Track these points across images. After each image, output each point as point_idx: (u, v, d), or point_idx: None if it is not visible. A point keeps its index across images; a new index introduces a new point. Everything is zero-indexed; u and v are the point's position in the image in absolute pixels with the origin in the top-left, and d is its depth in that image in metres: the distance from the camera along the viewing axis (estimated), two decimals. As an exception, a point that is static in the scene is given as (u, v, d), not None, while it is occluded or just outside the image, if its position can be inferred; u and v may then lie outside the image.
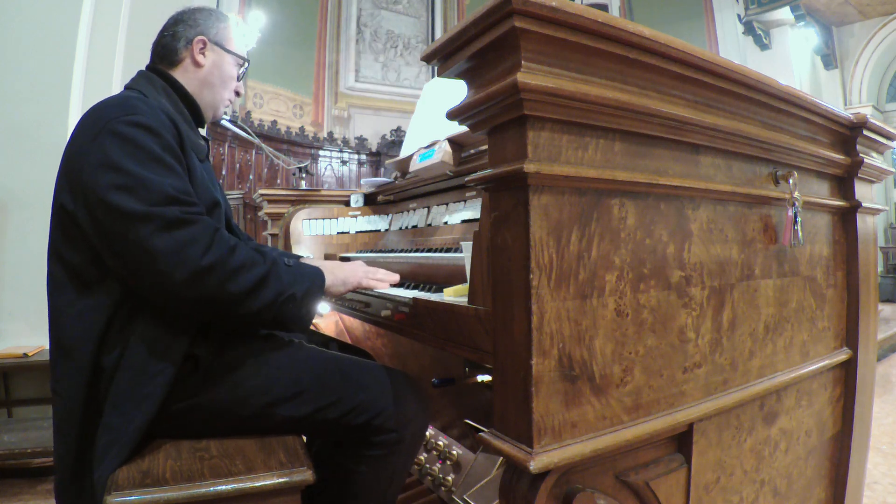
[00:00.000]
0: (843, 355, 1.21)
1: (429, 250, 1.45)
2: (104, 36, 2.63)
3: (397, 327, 1.13)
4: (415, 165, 1.59)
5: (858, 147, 1.18)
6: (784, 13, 6.95)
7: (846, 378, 1.24)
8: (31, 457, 2.03)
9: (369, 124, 7.96)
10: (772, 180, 1.00)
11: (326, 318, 2.02)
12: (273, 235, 2.06)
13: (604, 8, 7.51)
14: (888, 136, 1.25)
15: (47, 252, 0.98)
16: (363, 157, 7.77)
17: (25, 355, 2.28)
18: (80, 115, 0.98)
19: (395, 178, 1.82)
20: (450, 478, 1.50)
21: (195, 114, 1.18)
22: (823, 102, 1.06)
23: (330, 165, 7.53)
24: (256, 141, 2.12)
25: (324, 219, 1.96)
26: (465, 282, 0.89)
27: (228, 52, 1.21)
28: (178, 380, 0.95)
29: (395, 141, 7.64)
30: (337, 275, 1.12)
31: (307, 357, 1.08)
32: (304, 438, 1.06)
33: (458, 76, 0.76)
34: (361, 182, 3.66)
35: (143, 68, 1.17)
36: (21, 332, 2.40)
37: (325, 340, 1.40)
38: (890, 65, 8.51)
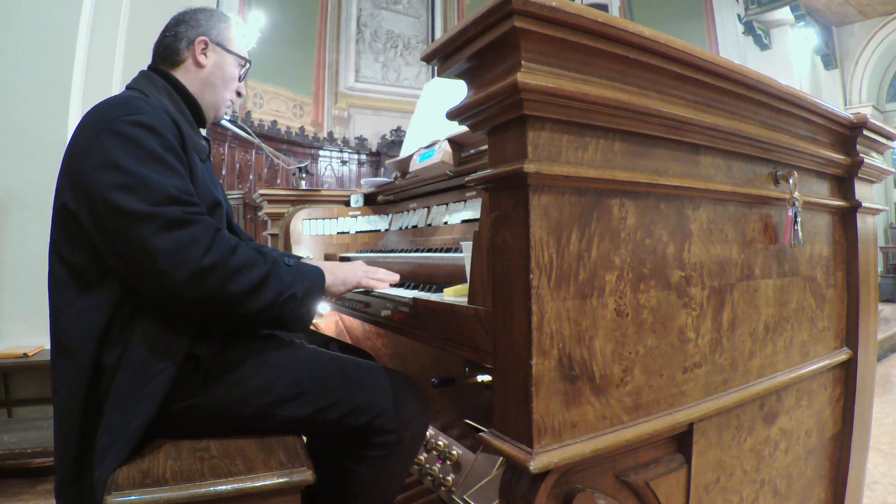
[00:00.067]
0: (843, 355, 1.21)
1: (429, 250, 1.45)
2: (104, 36, 2.63)
3: (397, 327, 1.13)
4: (415, 165, 1.59)
5: (858, 147, 1.18)
6: (784, 13, 6.95)
7: (846, 378, 1.24)
8: (31, 457, 2.03)
9: (369, 124, 7.96)
10: (772, 180, 1.00)
11: (326, 318, 2.02)
12: (273, 235, 2.06)
13: (604, 8, 7.50)
14: (888, 136, 1.25)
15: (48, 251, 0.98)
16: (363, 157, 7.77)
17: (25, 355, 2.28)
18: (81, 115, 0.99)
19: (395, 178, 1.82)
20: (450, 478, 1.50)
21: (196, 114, 1.18)
22: (823, 102, 1.06)
23: (330, 165, 7.53)
24: (256, 141, 2.12)
25: (324, 219, 1.96)
26: (465, 282, 0.89)
27: (230, 52, 1.21)
28: (178, 379, 0.95)
29: (395, 141, 7.64)
30: (337, 274, 1.12)
31: (308, 357, 1.08)
32: (304, 438, 1.06)
33: (458, 76, 0.76)
34: (361, 182, 3.66)
35: (145, 68, 1.17)
36: (21, 332, 2.40)
37: (325, 340, 1.40)
38: (890, 65, 8.51)
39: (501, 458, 0.92)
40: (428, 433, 1.65)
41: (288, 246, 1.89)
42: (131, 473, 0.86)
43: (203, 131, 1.24)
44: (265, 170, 6.71)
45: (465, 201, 1.54)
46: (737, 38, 7.35)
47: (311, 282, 1.04)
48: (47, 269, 0.97)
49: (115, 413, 0.90)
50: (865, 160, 1.19)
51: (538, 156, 0.66)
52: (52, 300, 0.96)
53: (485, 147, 1.08)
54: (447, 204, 1.62)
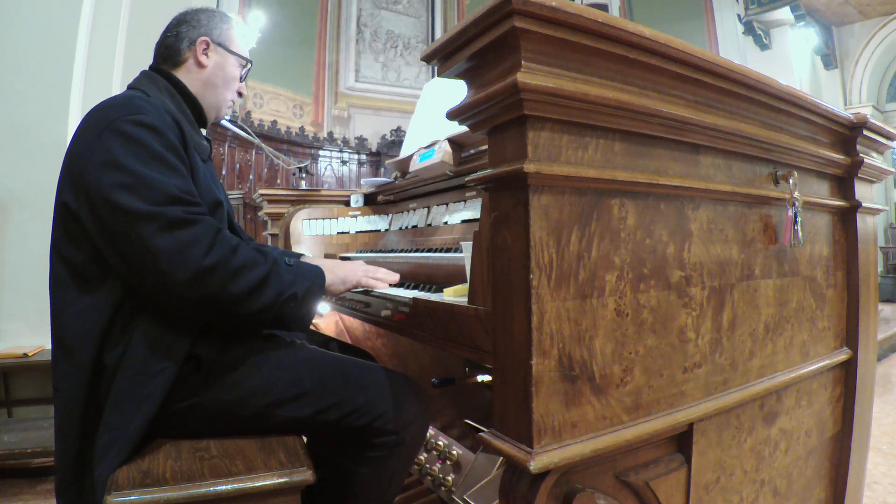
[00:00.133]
0: (843, 355, 1.21)
1: (429, 250, 1.45)
2: (104, 36, 2.63)
3: (397, 327, 1.13)
4: (415, 165, 1.59)
5: (858, 147, 1.18)
6: (784, 13, 6.95)
7: (846, 378, 1.24)
8: (31, 457, 2.03)
9: (369, 124, 7.96)
10: (772, 180, 1.00)
11: (326, 318, 2.02)
12: (273, 235, 2.06)
13: (604, 8, 7.50)
14: (888, 136, 1.25)
15: (49, 251, 0.98)
16: (363, 157, 7.77)
17: (25, 355, 2.28)
18: (81, 115, 0.99)
19: (395, 178, 1.82)
20: (450, 478, 1.50)
21: (198, 114, 1.18)
22: (823, 102, 1.06)
23: (330, 165, 7.53)
24: (256, 141, 2.12)
25: (324, 219, 1.96)
26: (465, 282, 0.89)
27: (231, 52, 1.21)
28: (178, 379, 0.95)
29: (395, 141, 7.64)
30: (337, 273, 1.12)
31: (308, 358, 1.08)
32: (304, 438, 1.06)
33: (458, 76, 0.76)
34: (361, 182, 3.66)
35: (147, 68, 1.17)
36: (21, 332, 2.40)
37: (325, 340, 1.40)
38: (890, 65, 8.51)
39: (501, 458, 0.92)
40: (428, 433, 1.65)
41: (288, 246, 1.89)
42: (131, 473, 0.86)
43: (203, 131, 1.24)
44: (265, 170, 6.71)
45: (465, 201, 1.54)
46: (737, 38, 7.35)
47: (312, 281, 1.04)
48: (48, 268, 0.98)
49: (116, 413, 0.90)
50: (865, 160, 1.19)
51: (538, 156, 0.66)
52: (52, 300, 0.96)
53: (485, 147, 1.08)
54: (447, 204, 1.62)
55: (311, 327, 1.12)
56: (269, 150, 2.35)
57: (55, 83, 2.45)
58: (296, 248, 1.89)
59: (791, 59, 7.04)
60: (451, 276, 1.26)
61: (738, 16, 7.26)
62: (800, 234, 0.98)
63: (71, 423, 0.92)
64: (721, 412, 0.89)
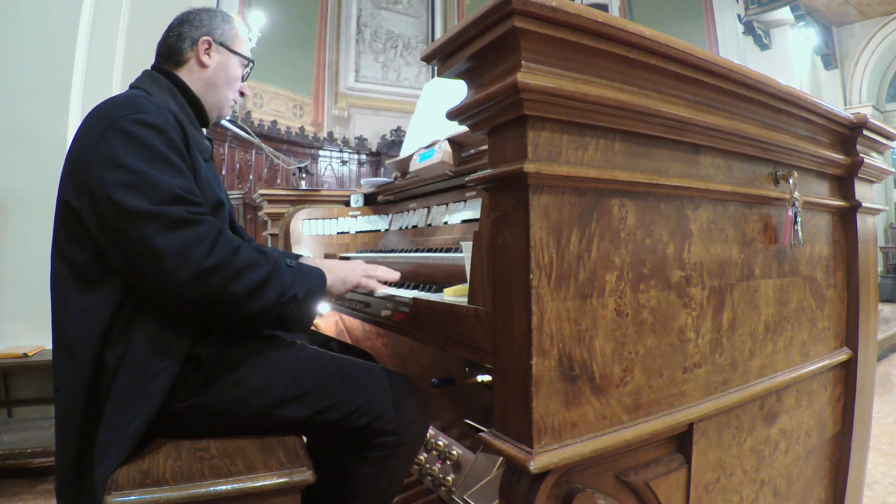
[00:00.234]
0: (843, 355, 1.21)
1: (429, 250, 1.45)
2: (104, 36, 2.63)
3: (397, 327, 1.13)
4: (415, 165, 1.59)
5: (858, 147, 1.18)
6: (784, 13, 6.95)
7: (846, 378, 1.24)
8: (31, 457, 2.03)
9: (369, 124, 7.96)
10: (772, 180, 1.00)
11: (326, 318, 2.02)
12: (273, 235, 2.06)
13: (604, 8, 7.50)
14: (888, 136, 1.25)
15: (51, 250, 0.98)
16: (363, 157, 7.77)
17: (25, 355, 2.28)
18: (81, 115, 0.99)
19: (395, 178, 1.82)
20: (450, 478, 1.50)
21: (200, 114, 1.18)
22: (823, 102, 1.06)
23: (330, 165, 7.53)
24: (256, 141, 2.12)
25: (324, 219, 1.96)
26: (465, 282, 0.89)
27: (233, 52, 1.21)
28: (179, 379, 0.95)
29: (395, 141, 7.63)
30: (337, 274, 1.12)
31: (308, 358, 1.08)
32: (304, 438, 1.06)
33: (458, 76, 0.76)
34: (361, 182, 3.66)
35: (149, 68, 1.17)
36: (21, 332, 2.40)
37: (325, 340, 1.40)
38: (890, 65, 8.51)
39: (501, 458, 0.92)
40: (428, 433, 1.65)
41: (288, 246, 1.89)
42: (131, 473, 0.86)
43: (205, 131, 1.24)
44: (265, 170, 6.71)
45: (465, 201, 1.54)
46: (737, 38, 7.35)
47: (313, 282, 1.04)
48: (49, 268, 0.98)
49: (116, 412, 0.90)
50: (865, 160, 1.19)
51: (538, 156, 0.66)
52: (53, 299, 0.96)
53: (485, 147, 1.08)
54: (447, 204, 1.62)
55: (311, 327, 1.12)
56: (269, 150, 2.35)
57: (55, 83, 2.45)
58: (296, 249, 1.89)
59: (791, 59, 7.04)
60: (451, 276, 1.26)
61: (738, 16, 7.26)
62: (800, 234, 0.98)
63: (71, 423, 0.92)
64: (721, 412, 0.89)
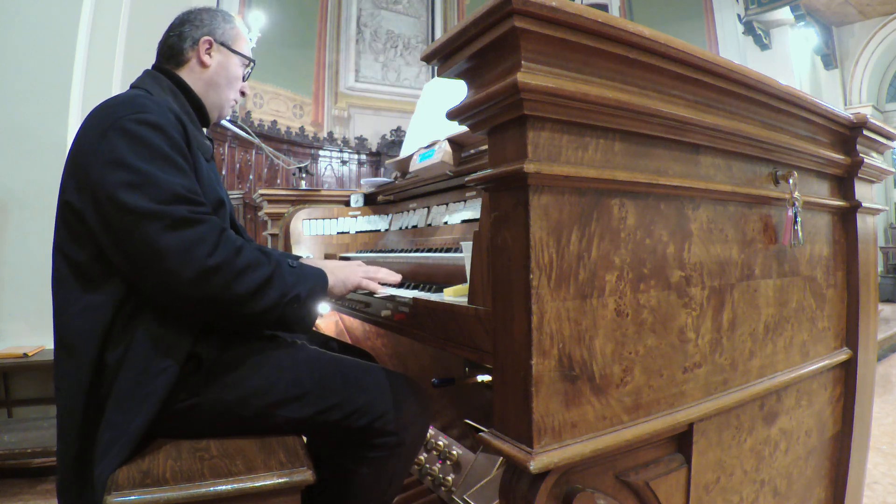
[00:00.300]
0: (843, 355, 1.21)
1: (429, 250, 1.45)
2: (104, 36, 2.63)
3: (397, 327, 1.13)
4: (415, 165, 1.59)
5: (858, 147, 1.18)
6: (784, 13, 6.95)
7: (846, 378, 1.24)
8: (31, 457, 2.03)
9: (369, 124, 7.96)
10: (772, 180, 1.00)
11: (326, 318, 2.02)
12: (273, 235, 2.06)
13: (604, 8, 7.51)
14: (888, 136, 1.25)
15: (52, 249, 0.98)
16: (363, 157, 7.77)
17: (25, 355, 2.28)
18: (81, 115, 0.99)
19: (395, 178, 1.82)
20: (450, 478, 1.50)
21: (201, 113, 1.18)
22: (823, 102, 1.06)
23: (330, 165, 7.53)
24: (256, 141, 2.12)
25: (324, 219, 1.96)
26: (465, 282, 0.89)
27: (234, 52, 1.21)
28: (180, 379, 0.95)
29: (395, 141, 7.64)
30: (338, 275, 1.12)
31: (308, 358, 1.08)
32: (304, 438, 1.06)
33: (458, 76, 0.76)
34: (361, 182, 3.66)
35: (150, 67, 1.17)
36: (21, 332, 2.40)
37: (325, 340, 1.40)
38: (890, 65, 8.51)
39: (501, 458, 0.92)
40: (428, 433, 1.65)
41: (288, 246, 1.89)
42: (131, 473, 0.86)
43: (205, 130, 1.24)
44: (265, 170, 6.72)
45: (465, 201, 1.54)
46: (737, 38, 7.35)
47: (314, 283, 1.04)
48: (51, 267, 0.98)
49: (117, 411, 0.90)
50: (865, 160, 1.19)
51: (538, 156, 0.66)
52: (55, 299, 0.97)
53: (485, 147, 1.08)
54: (447, 204, 1.62)
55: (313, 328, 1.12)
56: (269, 150, 2.35)
57: (55, 83, 2.44)
58: (296, 249, 1.89)
59: (791, 59, 7.04)
60: (451, 276, 1.26)
61: (738, 16, 7.26)
62: (800, 234, 0.98)
63: (72, 423, 0.92)
64: (721, 412, 0.89)
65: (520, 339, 0.68)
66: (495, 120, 0.70)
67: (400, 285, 1.27)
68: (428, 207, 1.71)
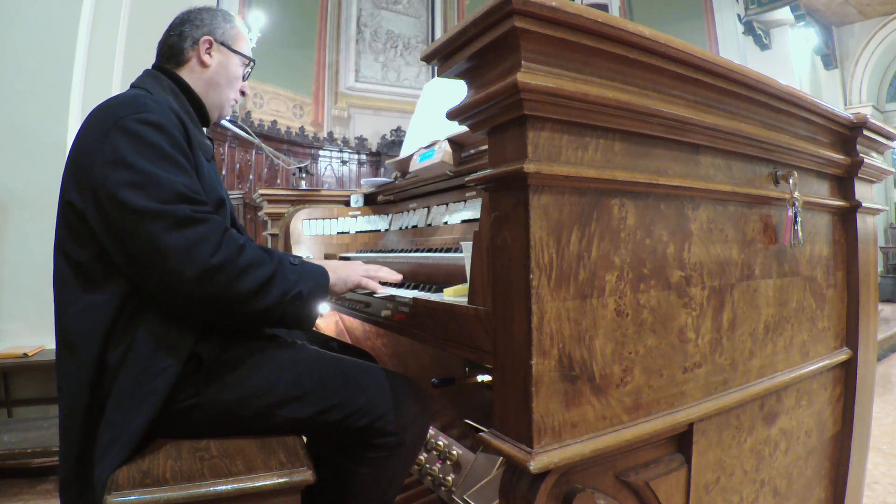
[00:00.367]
0: (843, 355, 1.21)
1: (429, 250, 1.45)
2: (104, 36, 2.63)
3: (397, 327, 1.13)
4: (415, 165, 1.59)
5: (858, 147, 1.18)
6: (784, 13, 6.95)
7: (846, 378, 1.24)
8: (31, 457, 2.03)
9: (369, 124, 7.96)
10: (772, 180, 1.00)
11: (326, 318, 2.02)
12: (273, 235, 2.06)
13: (604, 8, 7.51)
14: (888, 136, 1.25)
15: (53, 249, 0.98)
16: (363, 157, 7.77)
17: (25, 355, 2.28)
18: (81, 115, 0.99)
19: (395, 178, 1.82)
20: (450, 478, 1.50)
21: (201, 113, 1.19)
22: (823, 102, 1.06)
23: (330, 165, 7.53)
24: (256, 141, 2.12)
25: (324, 219, 1.96)
26: (465, 282, 0.89)
27: (234, 52, 1.21)
28: (180, 378, 0.95)
29: (395, 141, 7.64)
30: (339, 273, 1.13)
31: (309, 358, 1.08)
32: (304, 438, 1.06)
33: (458, 76, 0.76)
34: (361, 182, 3.66)
35: (150, 67, 1.17)
36: (21, 332, 2.40)
37: (325, 340, 1.40)
38: (890, 65, 8.51)
39: (501, 458, 0.92)
40: (428, 433, 1.65)
41: (288, 246, 1.89)
42: (131, 473, 0.86)
43: (205, 130, 1.24)
44: (265, 170, 6.72)
45: (465, 201, 1.54)
46: (737, 38, 7.35)
47: (316, 281, 1.04)
48: (52, 267, 0.98)
49: (118, 411, 0.90)
50: (865, 160, 1.19)
51: (538, 156, 0.66)
52: (56, 298, 0.97)
53: (485, 147, 1.08)
54: (447, 204, 1.62)
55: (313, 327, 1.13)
56: (269, 150, 2.35)
57: (55, 83, 2.44)
58: (296, 248, 1.89)
59: (791, 59, 7.04)
60: (451, 276, 1.26)
61: (738, 16, 7.26)
62: (800, 234, 0.98)
63: (74, 423, 0.92)
64: (721, 412, 0.89)
65: (520, 339, 0.68)
66: (495, 120, 0.70)
67: (400, 285, 1.27)
68: (428, 207, 1.71)
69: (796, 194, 0.98)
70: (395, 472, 1.09)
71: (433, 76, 3.68)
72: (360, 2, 8.06)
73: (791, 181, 0.98)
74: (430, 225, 1.67)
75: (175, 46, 1.16)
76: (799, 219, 0.98)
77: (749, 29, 7.13)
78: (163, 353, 0.93)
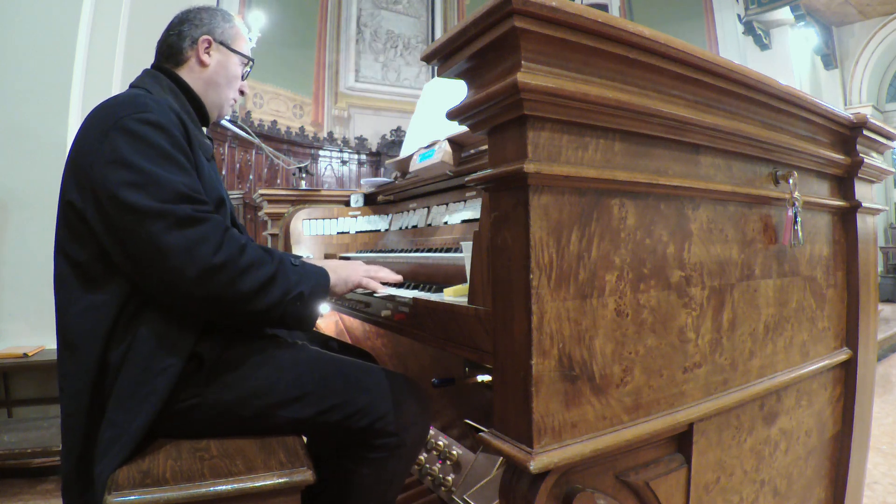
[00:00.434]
0: (843, 355, 1.21)
1: (429, 250, 1.45)
2: (104, 36, 2.63)
3: (397, 327, 1.13)
4: (415, 165, 1.59)
5: (858, 147, 1.18)
6: (784, 13, 6.95)
7: (846, 378, 1.24)
8: (31, 457, 2.03)
9: (369, 124, 7.96)
10: (772, 180, 1.00)
11: (326, 318, 2.02)
12: (273, 235, 2.06)
13: (604, 8, 7.51)
14: (888, 136, 1.25)
15: (53, 249, 0.98)
16: (363, 157, 7.77)
17: (25, 355, 2.28)
18: (81, 115, 0.99)
19: (395, 178, 1.82)
20: (450, 478, 1.50)
21: (200, 113, 1.19)
22: (823, 102, 1.06)
23: (330, 165, 7.53)
24: (256, 141, 2.12)
25: (324, 219, 1.96)
26: (465, 282, 0.89)
27: (233, 51, 1.21)
28: (181, 378, 0.95)
29: (395, 141, 7.64)
30: (340, 274, 1.13)
31: (309, 359, 1.08)
32: (305, 438, 1.06)
33: (458, 76, 0.76)
34: (361, 182, 3.66)
35: (149, 67, 1.17)
36: (21, 332, 2.41)
37: (325, 340, 1.40)
38: (890, 65, 8.51)
39: (501, 458, 0.92)
40: (428, 433, 1.65)
41: (288, 246, 1.89)
42: (131, 473, 0.86)
43: (205, 130, 1.24)
44: (265, 170, 6.71)
45: (465, 201, 1.54)
46: (737, 38, 7.35)
47: (317, 280, 1.04)
48: (53, 267, 0.98)
49: (118, 410, 0.90)
50: (865, 160, 1.19)
51: (538, 156, 0.66)
52: (57, 298, 0.97)
53: (485, 147, 1.08)
54: (447, 204, 1.62)
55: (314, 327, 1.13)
56: (269, 150, 2.35)
57: (55, 83, 2.45)
58: (296, 248, 1.89)
59: (791, 59, 7.04)
60: (451, 276, 1.26)
61: (738, 16, 7.26)
62: (800, 234, 0.98)
63: (75, 423, 0.92)
64: (721, 412, 0.89)
65: (520, 339, 0.68)
66: (495, 120, 0.70)
67: (400, 285, 1.27)
68: (428, 207, 1.71)
69: (796, 194, 0.98)
70: (395, 473, 1.09)
71: (433, 76, 3.68)
72: (360, 2, 8.06)
73: (791, 181, 0.98)
74: (430, 225, 1.67)
75: (174, 46, 1.16)
76: (799, 219, 0.98)
77: (749, 29, 7.13)
78: (163, 352, 0.93)
